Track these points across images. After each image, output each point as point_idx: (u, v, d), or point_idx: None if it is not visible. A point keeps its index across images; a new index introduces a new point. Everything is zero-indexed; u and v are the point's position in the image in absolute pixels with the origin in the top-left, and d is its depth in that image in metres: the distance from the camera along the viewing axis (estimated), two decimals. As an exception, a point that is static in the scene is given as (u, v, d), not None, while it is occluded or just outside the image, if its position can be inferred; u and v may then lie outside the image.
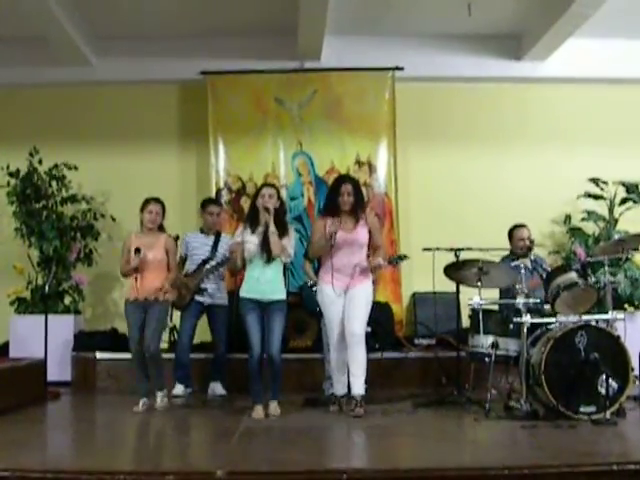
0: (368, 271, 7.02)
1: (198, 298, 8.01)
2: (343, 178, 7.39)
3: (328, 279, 6.96)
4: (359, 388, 6.85)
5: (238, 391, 7.84)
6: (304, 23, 8.81)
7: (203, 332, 8.40)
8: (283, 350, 6.96)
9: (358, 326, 6.86)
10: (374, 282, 7.24)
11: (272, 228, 6.81)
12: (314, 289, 7.48)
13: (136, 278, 7.18)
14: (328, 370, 7.57)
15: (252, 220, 6.99)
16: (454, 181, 9.99)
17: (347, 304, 6.93)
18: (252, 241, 6.86)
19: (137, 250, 7.16)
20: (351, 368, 6.88)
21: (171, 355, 8.03)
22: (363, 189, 9.10)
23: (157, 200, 7.38)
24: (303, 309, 8.26)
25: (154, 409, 7.07)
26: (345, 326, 6.89)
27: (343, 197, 6.96)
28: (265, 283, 6.86)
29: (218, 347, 8.13)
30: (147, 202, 7.34)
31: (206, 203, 8.48)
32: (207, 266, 8.04)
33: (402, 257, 7.94)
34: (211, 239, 8.23)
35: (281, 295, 6.94)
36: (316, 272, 7.53)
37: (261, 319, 6.86)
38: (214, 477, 4.51)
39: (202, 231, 8.32)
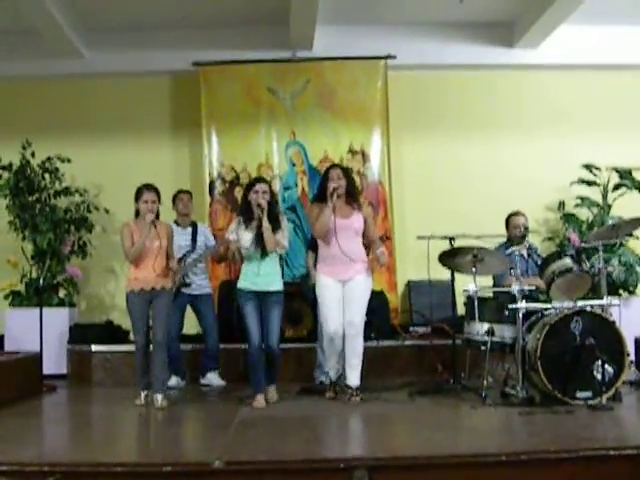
0: (366, 261, 7.05)
1: (184, 290, 7.99)
2: (332, 165, 7.53)
3: (325, 269, 7.02)
4: (355, 379, 6.92)
5: (234, 381, 7.85)
6: (296, 12, 8.78)
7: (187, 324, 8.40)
8: (280, 340, 6.99)
9: (358, 319, 6.92)
10: (372, 271, 7.25)
11: (266, 224, 6.85)
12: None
13: (138, 267, 7.03)
14: (320, 358, 7.60)
15: (245, 214, 7.04)
16: (448, 169, 9.98)
17: (346, 295, 6.96)
18: (246, 238, 6.92)
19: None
20: (348, 359, 6.93)
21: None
22: (357, 178, 9.25)
23: (150, 187, 7.12)
24: (300, 298, 8.27)
25: (153, 405, 6.94)
26: (345, 317, 6.93)
27: (333, 180, 6.98)
28: (263, 275, 6.93)
29: (210, 337, 8.11)
30: (140, 191, 7.09)
31: (177, 193, 8.39)
32: (188, 259, 8.02)
33: (382, 238, 7.98)
34: (188, 231, 8.21)
35: (278, 286, 7.01)
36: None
37: (259, 310, 6.93)
38: (212, 467, 4.52)
39: (177, 224, 8.18)
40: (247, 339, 6.91)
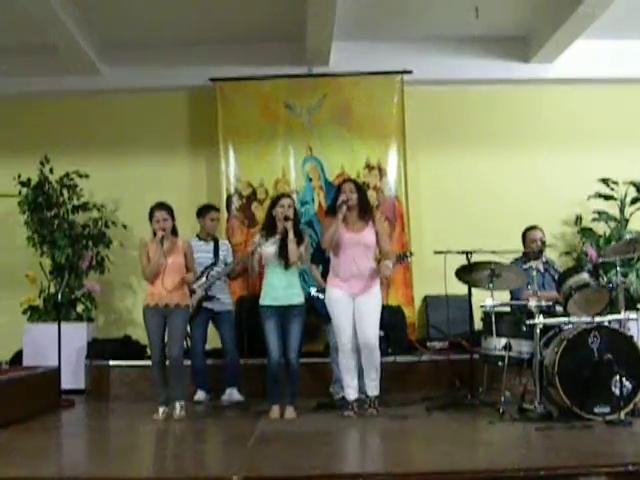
0: (377, 276, 7.07)
1: (206, 305, 8.04)
2: (346, 179, 7.67)
3: (336, 282, 7.07)
4: (374, 389, 7.00)
5: (253, 396, 7.86)
6: (312, 28, 8.82)
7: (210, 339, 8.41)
8: (299, 354, 7.06)
9: (372, 334, 6.95)
10: (381, 284, 7.26)
11: (291, 235, 7.00)
12: (321, 297, 7.54)
13: (155, 283, 7.14)
14: (336, 373, 7.61)
15: (269, 229, 7.19)
16: (465, 183, 9.98)
17: (358, 311, 7.00)
18: (269, 251, 7.08)
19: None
20: (367, 373, 7.00)
21: (187, 362, 8.03)
22: (373, 193, 9.28)
23: (161, 205, 7.23)
24: (314, 313, 8.29)
25: (172, 417, 7.03)
26: (358, 334, 6.97)
27: (345, 193, 7.04)
28: (284, 289, 7.08)
29: (230, 352, 8.13)
30: (152, 210, 7.22)
31: (207, 209, 8.44)
32: (212, 272, 8.07)
33: (407, 254, 8.12)
34: (211, 245, 8.27)
35: (299, 300, 7.14)
36: (322, 276, 7.63)
37: (280, 325, 7.06)
38: (230, 482, 4.53)
39: (199, 237, 8.30)
40: (267, 353, 7.05)
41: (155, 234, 7.16)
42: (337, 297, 7.03)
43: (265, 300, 7.11)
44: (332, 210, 7.16)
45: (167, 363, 7.15)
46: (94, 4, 8.71)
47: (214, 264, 8.14)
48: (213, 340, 8.46)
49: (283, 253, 7.03)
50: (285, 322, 7.06)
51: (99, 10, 8.86)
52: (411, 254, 8.54)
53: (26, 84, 9.81)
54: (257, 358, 7.77)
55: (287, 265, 7.05)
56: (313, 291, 7.85)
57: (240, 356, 8.12)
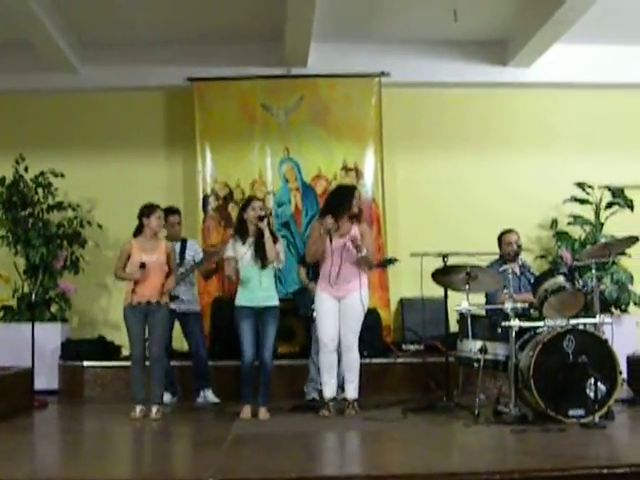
0: (363, 277, 7.16)
1: (171, 306, 7.95)
2: (354, 186, 7.73)
3: (324, 285, 7.17)
4: (353, 392, 7.10)
5: (225, 398, 7.84)
6: (291, 29, 8.81)
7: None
8: (273, 356, 7.06)
9: (351, 335, 7.10)
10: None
11: (267, 234, 7.02)
12: (311, 294, 7.58)
13: (136, 282, 7.17)
14: (312, 372, 7.62)
15: (242, 232, 7.21)
16: (441, 186, 10.01)
17: (343, 312, 7.11)
18: (243, 252, 7.10)
19: (142, 265, 7.14)
20: (346, 374, 7.12)
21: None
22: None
23: (159, 206, 7.43)
24: (293, 314, 8.31)
25: (148, 417, 7.02)
26: (341, 334, 7.09)
27: (355, 201, 7.18)
28: (260, 291, 7.10)
29: (199, 354, 8.11)
30: (153, 207, 7.34)
31: (166, 213, 7.90)
32: (177, 273, 8.01)
33: (392, 260, 8.19)
34: (177, 246, 8.18)
35: (275, 302, 7.18)
36: (310, 279, 7.79)
37: (255, 326, 7.09)
38: (205, 484, 4.51)
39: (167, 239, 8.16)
40: (240, 353, 7.07)
41: (140, 230, 7.31)
42: (322, 298, 7.16)
43: (240, 301, 7.13)
44: (329, 212, 7.16)
45: (147, 362, 7.17)
46: (71, 2, 8.64)
47: (179, 265, 8.02)
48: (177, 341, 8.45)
49: (259, 253, 7.04)
50: (260, 324, 7.08)
51: (77, 8, 8.79)
52: (396, 260, 8.60)
53: (1, 81, 9.69)
54: (230, 360, 7.75)
55: (264, 265, 7.05)
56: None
57: (215, 358, 8.09)
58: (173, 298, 7.91)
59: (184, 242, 8.32)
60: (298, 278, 8.33)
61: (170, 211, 8.24)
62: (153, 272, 7.20)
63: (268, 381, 7.08)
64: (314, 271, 7.59)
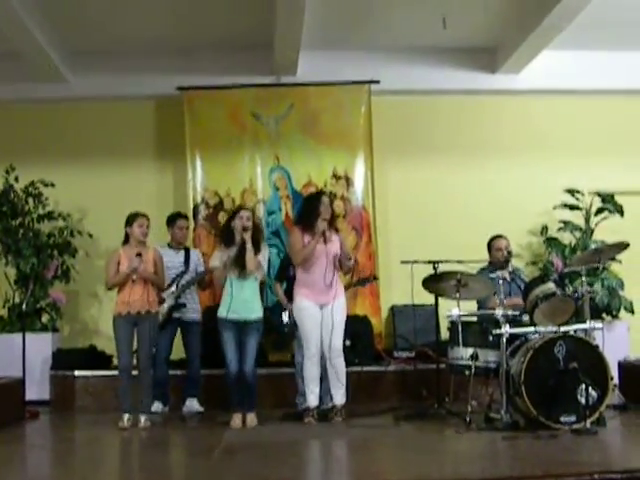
0: (341, 285, 7.31)
1: (176, 314, 7.99)
2: (322, 191, 7.99)
3: (305, 292, 7.19)
4: (341, 398, 7.16)
5: (214, 407, 7.83)
6: (280, 38, 8.81)
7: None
8: (263, 364, 7.14)
9: (338, 342, 7.16)
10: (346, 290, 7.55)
11: (249, 245, 7.06)
12: (285, 320, 7.67)
13: (120, 290, 7.20)
14: (300, 386, 7.60)
15: (228, 240, 7.25)
16: (431, 193, 10.00)
17: (325, 320, 7.14)
18: (225, 258, 7.14)
19: (139, 254, 7.18)
20: (333, 381, 7.15)
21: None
22: (340, 203, 9.37)
23: (144, 214, 7.43)
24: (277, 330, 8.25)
25: (137, 427, 7.02)
26: (324, 341, 7.13)
27: (325, 207, 7.20)
28: (242, 303, 7.12)
29: (192, 364, 8.13)
30: (136, 216, 7.37)
31: (176, 217, 8.44)
32: (182, 281, 8.04)
33: (371, 279, 8.26)
34: (181, 254, 8.26)
35: (257, 314, 7.19)
36: (285, 293, 7.78)
37: (238, 337, 7.11)
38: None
39: (170, 246, 8.30)
40: (225, 366, 7.13)
41: (127, 239, 7.35)
42: (305, 306, 7.16)
43: (223, 312, 7.13)
44: (301, 222, 7.24)
45: (135, 372, 7.18)
46: (61, 11, 8.62)
47: (184, 272, 8.10)
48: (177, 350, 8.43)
49: (240, 262, 7.05)
50: (243, 335, 7.10)
51: (65, 17, 8.77)
52: (375, 278, 8.63)
53: (-9, 91, 9.71)
54: (219, 369, 7.75)
55: (244, 274, 7.07)
56: (285, 317, 7.80)
57: (204, 366, 8.10)
58: (179, 306, 7.93)
59: (187, 251, 8.36)
60: (274, 294, 8.24)
61: (179, 215, 8.50)
62: (142, 282, 7.23)
63: (253, 390, 7.12)
64: (289, 285, 7.61)
